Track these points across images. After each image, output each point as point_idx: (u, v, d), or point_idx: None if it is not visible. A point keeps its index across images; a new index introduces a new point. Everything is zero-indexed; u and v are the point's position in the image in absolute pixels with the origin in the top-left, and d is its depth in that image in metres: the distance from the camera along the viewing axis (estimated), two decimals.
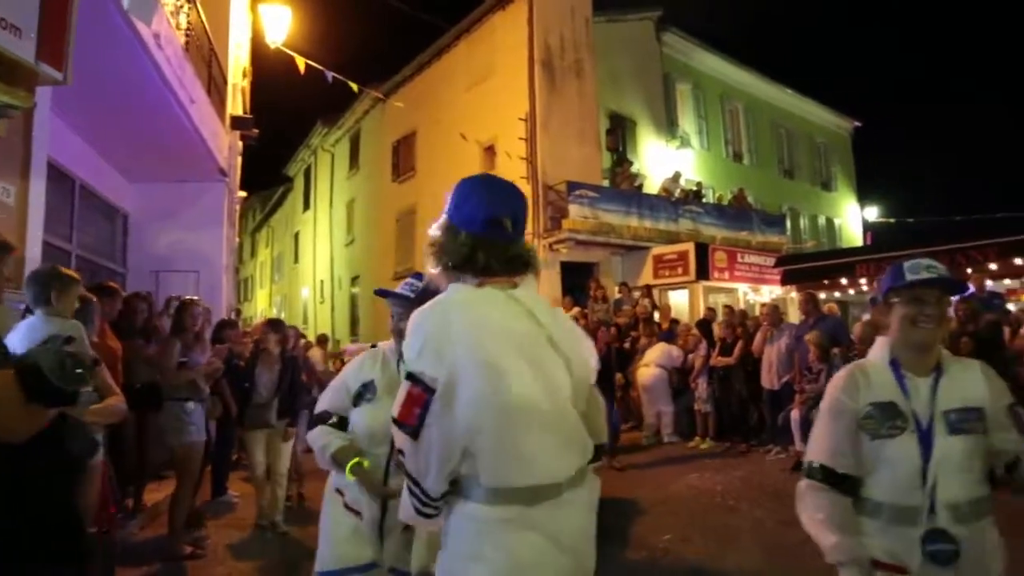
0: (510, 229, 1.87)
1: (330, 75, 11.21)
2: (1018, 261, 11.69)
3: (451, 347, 1.71)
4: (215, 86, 10.59)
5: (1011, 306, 10.20)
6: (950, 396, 2.17)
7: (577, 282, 14.88)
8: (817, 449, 2.28)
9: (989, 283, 10.76)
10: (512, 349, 1.75)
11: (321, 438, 2.79)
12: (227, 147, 11.65)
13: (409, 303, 2.71)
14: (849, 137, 28.50)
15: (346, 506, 2.75)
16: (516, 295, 1.85)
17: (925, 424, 2.13)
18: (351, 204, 25.80)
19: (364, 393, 2.78)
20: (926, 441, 2.11)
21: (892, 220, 26.90)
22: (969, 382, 2.23)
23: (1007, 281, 12.55)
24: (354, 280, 24.92)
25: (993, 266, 11.85)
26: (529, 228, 15.10)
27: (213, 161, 10.43)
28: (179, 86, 7.96)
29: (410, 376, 1.74)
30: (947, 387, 2.19)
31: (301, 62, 10.84)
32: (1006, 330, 8.24)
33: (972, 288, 8.98)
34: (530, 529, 1.73)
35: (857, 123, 28.26)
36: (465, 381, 1.70)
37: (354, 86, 12.03)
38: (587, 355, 1.96)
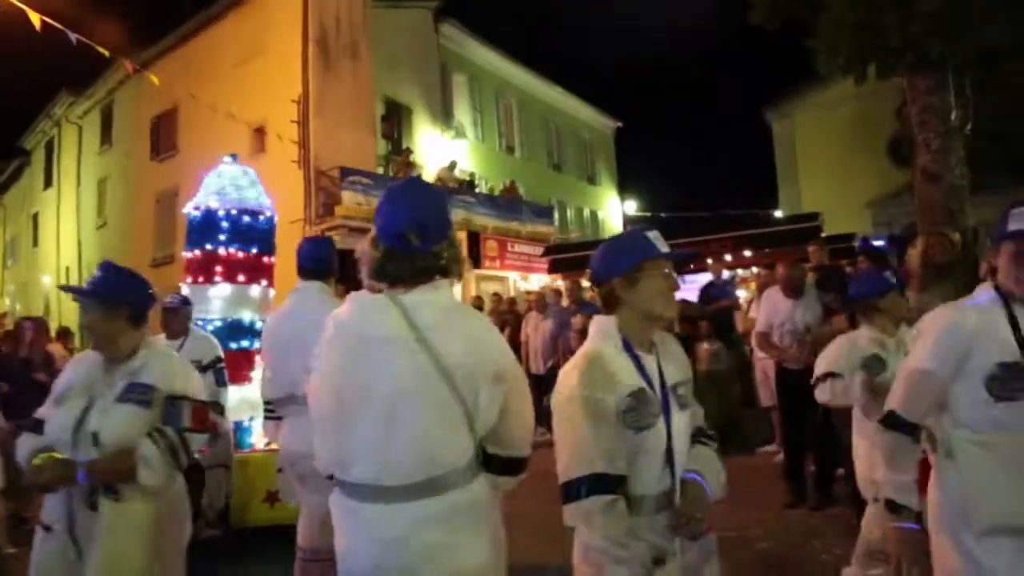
0: (416, 242, 1.90)
1: (74, 37, 10.06)
2: (747, 253, 13.19)
3: (319, 351, 1.97)
4: None
5: (741, 292, 11.48)
6: (670, 370, 2.18)
7: (351, 271, 14.68)
8: (589, 458, 1.98)
9: (726, 273, 12.03)
10: (356, 355, 1.88)
11: (20, 446, 2.58)
12: None
13: (88, 297, 2.67)
14: (612, 135, 30.56)
15: (42, 523, 2.55)
16: (403, 300, 1.89)
17: (663, 403, 2.09)
18: (103, 183, 23.51)
19: (64, 394, 2.61)
20: (667, 420, 2.08)
21: (649, 214, 29.21)
22: (677, 355, 2.29)
23: (740, 271, 14.12)
24: None
25: (728, 257, 13.29)
26: (300, 215, 14.69)
27: None
28: None
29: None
30: (666, 361, 2.20)
31: (35, 18, 9.64)
32: (737, 314, 9.30)
33: (712, 276, 9.98)
34: (356, 521, 1.87)
35: (619, 123, 30.35)
36: (313, 381, 1.95)
37: (104, 51, 10.87)
38: (484, 356, 1.90)
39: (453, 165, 18.35)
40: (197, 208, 6.14)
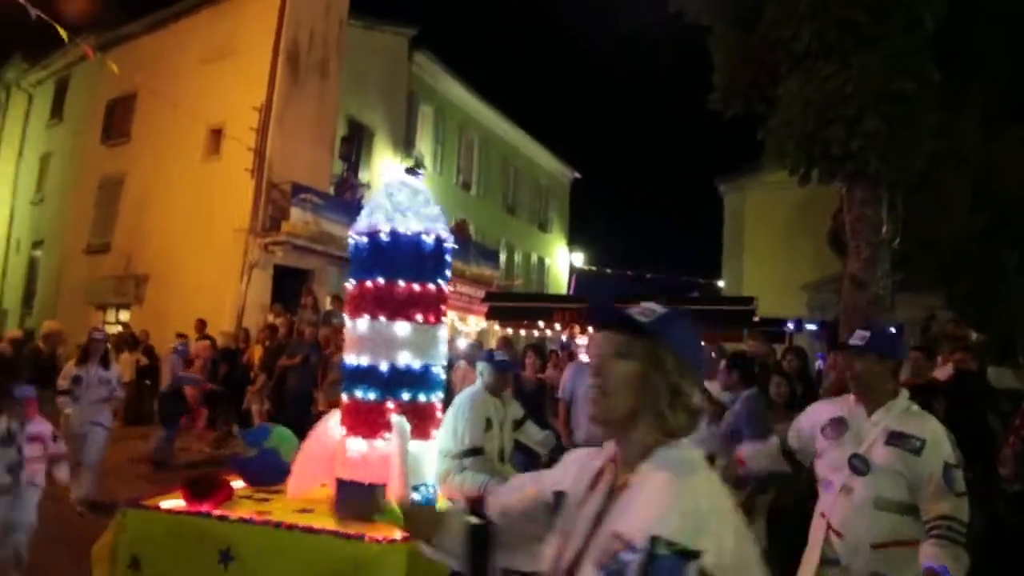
0: None
1: (34, 13, 9.82)
2: None
3: None
4: None
5: None
6: None
7: (289, 288, 14.50)
8: None
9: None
10: None
11: None
12: None
13: None
14: (569, 185, 30.96)
15: None
16: None
17: None
18: (47, 157, 22.73)
19: None
20: None
21: (594, 268, 29.55)
22: None
23: None
24: (37, 244, 22.00)
25: None
26: (246, 224, 14.47)
27: None
28: None
29: None
30: None
31: None
32: None
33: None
34: None
35: (577, 174, 30.78)
36: None
37: (63, 32, 10.61)
38: None
39: None
40: (428, 233, 4.36)
